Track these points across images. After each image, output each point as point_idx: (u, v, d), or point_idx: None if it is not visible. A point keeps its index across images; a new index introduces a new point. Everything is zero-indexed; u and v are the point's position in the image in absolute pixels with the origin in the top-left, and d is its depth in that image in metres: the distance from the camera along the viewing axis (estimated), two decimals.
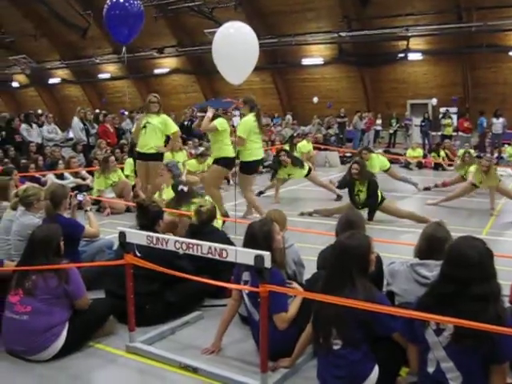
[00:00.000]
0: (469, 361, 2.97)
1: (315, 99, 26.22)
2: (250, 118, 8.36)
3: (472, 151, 13.37)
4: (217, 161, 8.57)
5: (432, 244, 3.80)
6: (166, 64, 30.86)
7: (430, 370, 3.08)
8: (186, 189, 7.02)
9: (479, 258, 3.04)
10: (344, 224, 4.34)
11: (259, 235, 4.00)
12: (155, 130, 8.76)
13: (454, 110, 23.00)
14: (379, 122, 24.33)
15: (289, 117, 24.91)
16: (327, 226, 7.65)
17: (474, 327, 2.84)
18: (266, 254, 3.37)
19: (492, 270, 3.09)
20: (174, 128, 9.15)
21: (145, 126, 8.78)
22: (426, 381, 3.13)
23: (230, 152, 8.46)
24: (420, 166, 16.72)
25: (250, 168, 8.61)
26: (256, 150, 8.47)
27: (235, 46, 7.19)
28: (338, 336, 3.30)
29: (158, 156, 8.86)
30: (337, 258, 3.48)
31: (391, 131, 23.94)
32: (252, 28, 7.53)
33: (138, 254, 4.44)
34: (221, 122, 8.39)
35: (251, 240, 4.00)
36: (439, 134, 21.32)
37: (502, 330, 2.82)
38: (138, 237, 4.14)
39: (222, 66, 7.40)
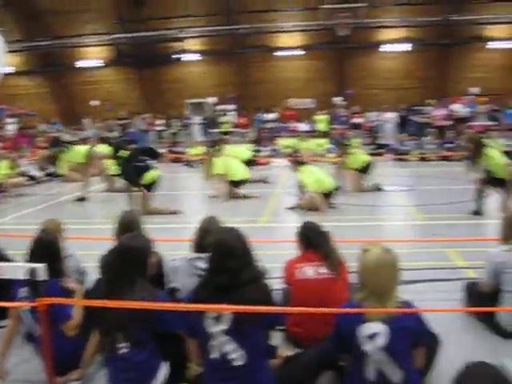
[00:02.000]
0: (251, 338, 3.20)
1: (94, 102, 25.59)
2: None
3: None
4: None
5: (206, 237, 3.94)
6: None
7: (214, 356, 3.19)
8: None
9: (243, 247, 3.30)
10: (122, 226, 4.33)
11: (43, 246, 3.84)
12: None
13: (231, 107, 24.01)
14: (161, 122, 24.50)
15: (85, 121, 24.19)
16: None
17: (250, 311, 3.10)
18: (40, 267, 3.24)
19: (252, 255, 3.37)
20: None
21: None
22: (211, 368, 3.24)
23: None
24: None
25: None
26: None
27: None
28: (123, 339, 3.29)
29: None
30: (119, 261, 3.43)
31: (173, 131, 24.26)
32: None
33: None
34: None
35: (35, 253, 3.82)
36: (218, 130, 22.13)
37: (275, 309, 3.10)
38: None
39: None
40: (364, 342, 3.07)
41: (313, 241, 4.21)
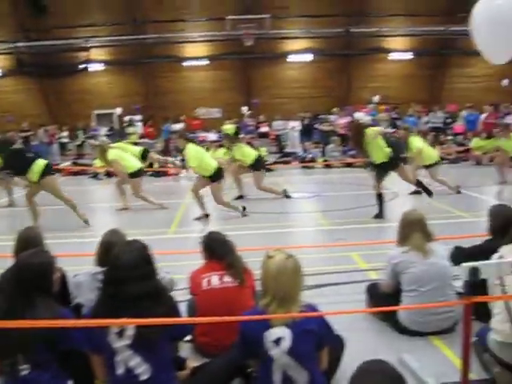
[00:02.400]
0: (156, 352, 3.18)
1: None
2: None
3: None
4: None
5: (109, 249, 3.87)
6: None
7: (120, 371, 3.14)
8: None
9: (144, 259, 3.29)
10: (21, 242, 4.18)
11: None
12: None
13: (138, 117, 23.71)
14: (65, 133, 23.81)
15: None
16: None
17: (153, 324, 3.09)
18: None
19: (154, 268, 3.37)
20: None
21: None
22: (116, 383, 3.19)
23: None
24: (108, 174, 16.90)
25: None
26: None
27: None
28: (24, 361, 3.15)
29: None
30: (18, 279, 3.30)
31: (78, 142, 23.63)
32: None
33: None
34: None
35: None
36: (126, 141, 21.76)
37: (178, 320, 3.10)
38: None
39: None
40: (269, 346, 3.12)
41: (216, 250, 4.24)
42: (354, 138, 9.46)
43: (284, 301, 3.15)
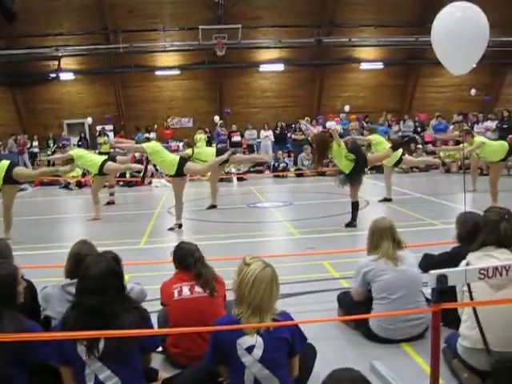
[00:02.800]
0: (126, 364, 3.16)
1: None
2: None
3: None
4: None
5: (79, 261, 3.80)
6: None
7: None
8: None
9: (114, 271, 3.29)
10: None
11: None
12: None
13: (110, 127, 23.56)
14: (36, 143, 23.54)
15: None
16: None
17: (123, 335, 3.06)
18: None
19: (123, 279, 3.37)
20: None
21: None
22: None
23: None
24: (80, 185, 16.77)
25: None
26: None
27: None
28: None
29: None
30: None
31: (49, 152, 23.37)
32: None
33: None
34: None
35: None
36: (97, 151, 21.59)
37: (144, 332, 3.08)
38: None
39: None
40: (242, 354, 3.14)
41: (185, 261, 4.23)
42: (319, 151, 9.51)
43: (259, 309, 3.17)
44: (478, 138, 11.14)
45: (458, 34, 4.96)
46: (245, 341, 3.15)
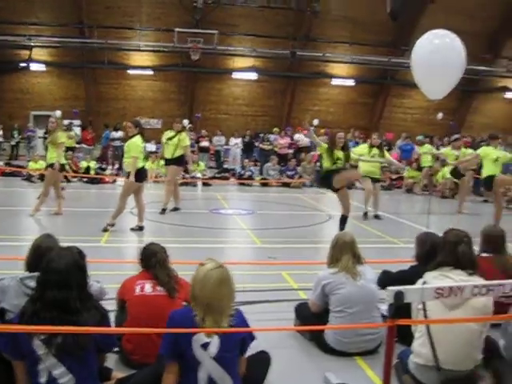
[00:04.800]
0: (81, 362, 3.14)
1: None
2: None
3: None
4: None
5: (40, 254, 3.72)
6: None
7: (42, 380, 3.08)
8: None
9: (77, 267, 3.26)
10: None
11: None
12: None
13: (77, 122, 23.28)
14: (0, 132, 23.12)
15: None
16: None
17: (79, 332, 3.04)
18: None
19: (86, 276, 3.35)
20: None
21: None
22: None
23: None
24: (42, 178, 16.48)
25: None
26: None
27: None
28: None
29: None
30: None
31: (13, 143, 22.99)
32: None
33: None
34: None
35: None
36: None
37: (103, 330, 3.06)
38: None
39: None
40: (197, 350, 3.18)
41: (148, 261, 4.27)
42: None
43: (210, 308, 3.21)
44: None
45: (438, 60, 5.09)
46: (200, 337, 3.19)
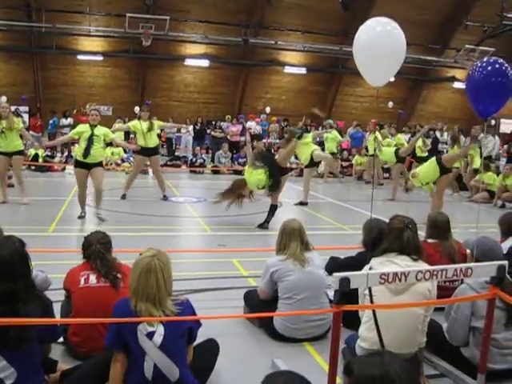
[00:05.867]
0: (23, 354, 3.06)
1: None
2: None
3: None
4: None
5: None
6: None
7: None
8: None
9: (17, 257, 3.15)
10: None
11: None
12: None
13: (25, 108, 22.69)
14: None
15: None
16: None
17: (17, 323, 2.95)
18: None
19: (28, 266, 3.25)
20: None
21: None
22: None
23: None
24: None
25: None
26: None
27: None
28: None
29: None
30: None
31: None
32: None
33: None
34: None
35: None
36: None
37: (46, 321, 3.02)
38: None
39: None
40: (142, 340, 3.17)
41: (87, 251, 4.17)
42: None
43: (141, 297, 3.21)
44: None
45: (377, 48, 5.14)
46: (145, 327, 3.18)
